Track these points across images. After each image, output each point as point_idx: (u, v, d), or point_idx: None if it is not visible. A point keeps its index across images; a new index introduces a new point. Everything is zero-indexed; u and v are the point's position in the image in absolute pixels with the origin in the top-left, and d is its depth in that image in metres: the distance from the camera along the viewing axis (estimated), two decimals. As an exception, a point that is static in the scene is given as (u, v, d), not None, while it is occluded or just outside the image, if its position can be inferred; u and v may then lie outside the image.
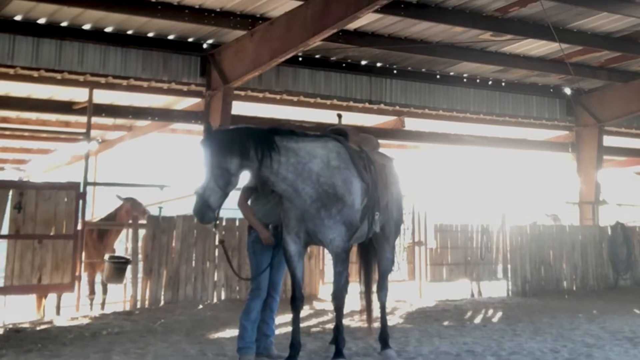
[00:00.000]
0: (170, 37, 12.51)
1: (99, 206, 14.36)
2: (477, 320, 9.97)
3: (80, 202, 10.14)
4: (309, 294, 11.33)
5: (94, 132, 13.22)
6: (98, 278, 11.23)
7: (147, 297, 10.20)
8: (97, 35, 11.86)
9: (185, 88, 12.96)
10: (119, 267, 10.77)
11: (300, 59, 13.59)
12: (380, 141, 15.04)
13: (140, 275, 10.34)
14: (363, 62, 14.56)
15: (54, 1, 10.68)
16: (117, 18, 11.50)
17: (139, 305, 10.12)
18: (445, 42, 13.44)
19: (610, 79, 16.00)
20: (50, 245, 9.70)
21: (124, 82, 12.36)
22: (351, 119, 14.96)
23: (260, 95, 13.77)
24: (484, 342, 7.86)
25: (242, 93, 13.41)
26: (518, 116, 16.77)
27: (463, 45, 13.62)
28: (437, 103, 15.61)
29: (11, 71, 11.47)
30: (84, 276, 10.96)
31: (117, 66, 12.13)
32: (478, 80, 16.04)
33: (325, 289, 11.44)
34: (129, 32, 12.11)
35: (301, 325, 7.14)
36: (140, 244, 10.51)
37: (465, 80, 15.89)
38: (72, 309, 10.15)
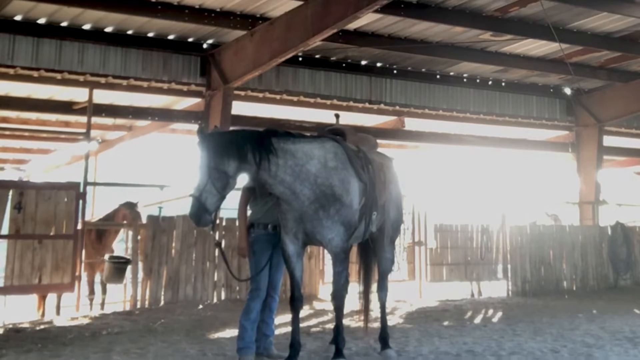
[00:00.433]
0: (170, 37, 12.51)
1: (99, 206, 14.37)
2: (477, 320, 9.97)
3: (80, 202, 10.13)
4: (309, 294, 11.34)
5: (94, 132, 13.22)
6: (97, 278, 11.22)
7: (147, 297, 10.21)
8: (97, 35, 11.86)
9: (185, 88, 12.96)
10: (119, 267, 10.77)
11: (300, 59, 13.59)
12: (380, 141, 15.10)
13: (140, 275, 10.34)
14: (363, 62, 14.56)
15: (54, 1, 10.67)
16: (117, 18, 11.50)
17: (139, 305, 10.13)
18: (445, 42, 13.44)
19: (610, 79, 16.00)
20: (50, 245, 9.70)
21: (124, 82, 12.36)
22: (351, 119, 14.96)
23: (260, 95, 13.77)
24: (484, 342, 7.86)
25: (242, 93, 13.41)
26: (518, 116, 16.77)
27: (463, 45, 13.62)
28: (437, 103, 15.61)
29: (11, 71, 11.47)
30: (84, 276, 10.96)
31: (117, 66, 12.13)
32: (478, 80, 16.04)
33: (325, 289, 11.44)
34: (129, 32, 12.11)
35: (301, 325, 7.16)
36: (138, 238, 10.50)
37: (465, 80, 15.89)
38: (72, 309, 10.15)
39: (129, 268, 10.65)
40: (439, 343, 7.75)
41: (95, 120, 12.17)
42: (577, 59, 14.60)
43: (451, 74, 15.58)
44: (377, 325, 7.22)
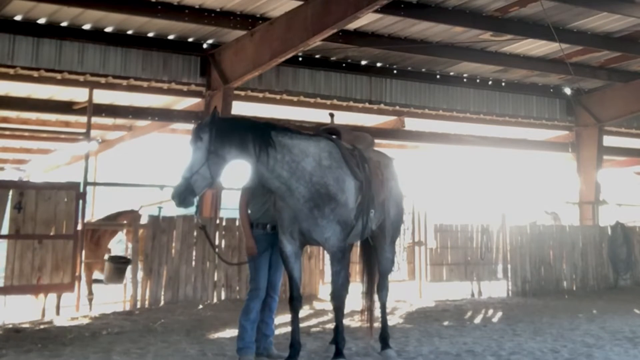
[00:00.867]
0: (170, 37, 12.51)
1: (99, 206, 14.36)
2: (477, 320, 9.97)
3: (80, 202, 10.13)
4: (309, 294, 11.35)
5: (94, 132, 13.22)
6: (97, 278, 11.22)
7: (147, 297, 10.21)
8: (97, 35, 11.86)
9: (185, 88, 12.96)
10: (119, 267, 10.77)
11: (300, 59, 13.59)
12: (380, 141, 15.21)
13: (140, 275, 10.34)
14: (363, 62, 14.56)
15: (54, 1, 10.68)
16: (117, 18, 11.50)
17: (139, 305, 10.12)
18: (445, 42, 13.44)
19: (610, 79, 16.00)
20: (50, 245, 9.70)
21: (124, 82, 12.36)
22: (351, 119, 14.98)
23: (260, 95, 13.78)
24: (484, 342, 7.86)
25: (242, 93, 13.41)
26: (518, 116, 16.78)
27: (463, 45, 13.61)
28: (437, 103, 15.61)
29: (11, 71, 11.48)
30: (83, 276, 10.96)
31: (117, 66, 12.13)
32: (478, 80, 16.04)
33: (325, 289, 11.44)
34: (129, 32, 12.11)
35: (301, 325, 7.16)
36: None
37: (465, 80, 15.89)
38: (72, 309, 10.15)
39: (129, 268, 10.64)
40: (439, 343, 7.74)
41: (95, 120, 12.17)
42: (577, 59, 14.60)
43: (451, 74, 15.58)
44: (377, 325, 7.21)
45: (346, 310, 6.88)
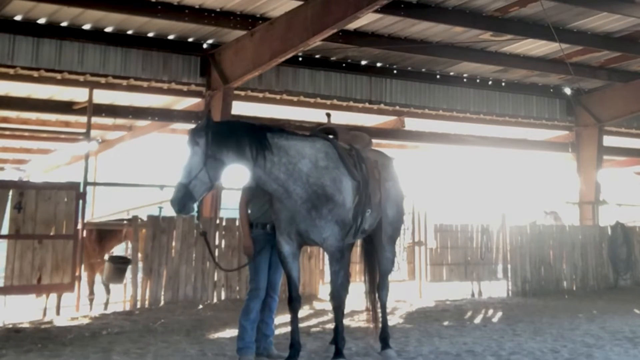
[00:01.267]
0: (170, 37, 12.51)
1: (99, 206, 14.37)
2: (477, 320, 9.97)
3: (80, 202, 10.13)
4: (309, 294, 11.36)
5: (94, 132, 13.23)
6: (98, 279, 11.22)
7: (147, 297, 10.21)
8: (97, 35, 11.86)
9: (185, 88, 12.96)
10: (119, 267, 10.77)
11: (300, 59, 13.59)
12: (380, 141, 15.21)
13: (140, 275, 10.34)
14: (363, 62, 14.56)
15: (54, 1, 10.67)
16: (117, 18, 11.50)
17: (139, 305, 10.12)
18: (445, 42, 13.44)
19: (610, 79, 16.00)
20: (50, 245, 9.70)
21: (124, 82, 12.36)
22: (351, 119, 14.98)
23: (260, 95, 13.78)
24: (484, 342, 7.85)
25: (242, 93, 13.41)
26: (518, 116, 16.78)
27: (463, 45, 13.61)
28: (437, 103, 15.61)
29: (11, 71, 11.47)
30: (84, 276, 10.97)
31: (117, 66, 12.13)
32: (478, 80, 16.04)
33: (325, 289, 11.44)
34: (129, 32, 12.11)
35: (301, 325, 7.17)
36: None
37: (465, 80, 15.89)
38: (72, 309, 10.15)
39: (129, 268, 10.64)
40: (439, 343, 7.74)
41: (95, 120, 12.18)
42: (577, 59, 14.60)
43: (451, 74, 15.58)
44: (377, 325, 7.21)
45: (346, 310, 6.88)
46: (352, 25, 11.99)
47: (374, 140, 7.82)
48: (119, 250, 11.97)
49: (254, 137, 5.96)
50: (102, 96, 12.35)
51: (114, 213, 13.27)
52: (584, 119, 17.20)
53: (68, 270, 9.80)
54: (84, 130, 11.53)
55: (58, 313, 10.09)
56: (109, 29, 11.94)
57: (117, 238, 11.44)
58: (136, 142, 16.53)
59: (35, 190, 9.79)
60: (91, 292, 11.02)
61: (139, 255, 10.47)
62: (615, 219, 15.90)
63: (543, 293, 13.34)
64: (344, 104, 14.52)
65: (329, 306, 9.53)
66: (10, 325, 8.69)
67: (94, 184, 13.42)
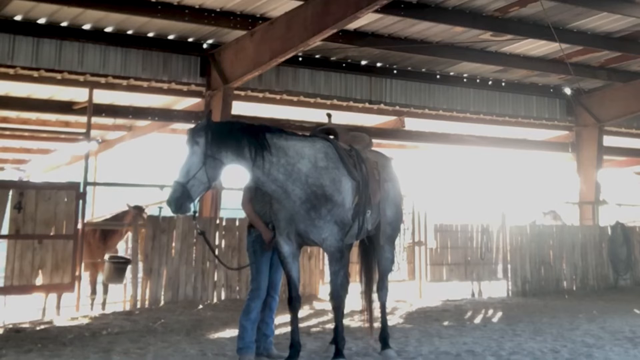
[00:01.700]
0: (170, 37, 12.51)
1: (99, 206, 14.36)
2: (477, 320, 9.97)
3: (80, 202, 10.13)
4: (309, 294, 11.36)
5: (94, 132, 13.22)
6: (100, 278, 11.22)
7: (147, 297, 10.21)
8: (97, 35, 11.87)
9: (185, 88, 12.97)
10: (119, 267, 10.77)
11: (300, 59, 13.59)
12: (380, 141, 15.19)
13: (140, 275, 10.34)
14: (363, 62, 14.56)
15: (54, 1, 10.68)
16: (117, 18, 11.50)
17: (139, 305, 10.12)
18: (445, 42, 13.44)
19: (610, 79, 16.00)
20: (50, 245, 9.70)
21: (124, 82, 12.36)
22: (351, 119, 14.98)
23: (260, 95, 13.78)
24: (484, 342, 7.85)
25: (242, 93, 13.42)
26: (518, 116, 16.78)
27: (463, 45, 13.62)
28: (437, 103, 15.62)
29: (11, 71, 11.48)
30: (86, 276, 10.97)
31: (117, 66, 12.14)
32: (478, 80, 16.05)
33: (325, 289, 11.44)
34: (129, 32, 12.12)
35: (301, 325, 7.17)
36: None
37: (465, 80, 15.89)
38: (72, 309, 10.15)
39: (129, 268, 10.64)
40: (439, 343, 7.74)
41: (95, 120, 12.17)
42: (577, 59, 14.60)
43: (451, 74, 15.58)
44: (377, 325, 7.21)
45: (346, 310, 6.88)
46: (352, 25, 12.00)
47: (374, 140, 7.82)
48: (119, 250, 11.95)
49: (253, 137, 5.96)
50: (102, 96, 12.35)
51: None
52: (584, 119, 17.21)
53: (68, 270, 9.79)
54: (84, 130, 11.52)
55: (58, 313, 10.09)
56: (109, 29, 11.94)
57: (120, 234, 11.47)
58: (136, 142, 16.53)
59: (35, 190, 9.78)
60: (93, 292, 11.03)
61: (139, 255, 10.46)
62: (615, 219, 15.90)
63: (543, 293, 13.34)
64: (344, 104, 14.53)
65: (329, 306, 9.53)
66: (10, 325, 8.69)
67: (94, 184, 13.42)
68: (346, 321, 7.43)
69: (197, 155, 5.78)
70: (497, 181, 23.19)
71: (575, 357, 7.07)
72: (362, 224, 6.50)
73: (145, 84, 12.60)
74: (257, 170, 5.96)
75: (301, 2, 10.77)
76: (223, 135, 5.89)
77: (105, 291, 11.09)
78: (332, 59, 14.12)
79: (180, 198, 5.72)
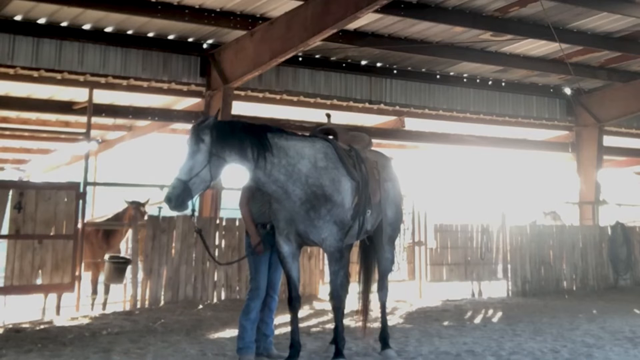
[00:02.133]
0: (170, 37, 12.51)
1: (99, 206, 14.36)
2: (477, 320, 9.97)
3: (80, 202, 10.13)
4: (309, 294, 11.36)
5: (94, 132, 13.22)
6: (101, 278, 11.22)
7: (147, 297, 10.21)
8: (97, 35, 11.87)
9: (185, 88, 12.97)
10: (119, 267, 10.77)
11: (300, 59, 13.59)
12: (380, 141, 15.18)
13: (140, 275, 10.34)
14: (363, 62, 14.56)
15: (54, 1, 10.68)
16: (117, 18, 11.50)
17: (139, 305, 10.12)
18: (445, 42, 13.44)
19: (610, 79, 16.00)
20: (50, 245, 9.70)
21: (124, 82, 12.37)
22: (351, 119, 14.98)
23: (260, 95, 13.78)
24: (484, 342, 7.86)
25: (242, 93, 13.42)
26: (518, 116, 16.78)
27: (463, 45, 13.62)
28: (437, 103, 15.62)
29: (11, 71, 11.48)
30: (87, 276, 10.97)
31: (117, 66, 12.14)
32: (478, 80, 16.05)
33: (325, 289, 11.43)
34: (129, 32, 12.12)
35: (301, 325, 7.17)
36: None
37: (465, 80, 15.89)
38: (72, 309, 10.15)
39: (129, 268, 10.64)
40: (439, 343, 7.74)
41: (95, 120, 12.18)
42: (577, 59, 14.60)
43: (451, 74, 15.58)
44: (377, 325, 7.21)
45: (346, 310, 6.87)
46: (352, 25, 12.00)
47: (374, 140, 7.82)
48: (121, 250, 11.95)
49: (256, 137, 5.95)
50: (102, 96, 12.35)
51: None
52: (584, 119, 17.21)
53: (68, 270, 9.79)
54: (84, 130, 11.52)
55: (58, 313, 10.09)
56: (109, 29, 11.95)
57: (121, 233, 11.48)
58: (136, 142, 16.53)
59: (35, 190, 9.78)
60: (94, 292, 11.03)
61: (139, 255, 10.46)
62: (615, 219, 15.90)
63: (543, 293, 13.34)
64: (344, 104, 14.53)
65: (329, 306, 9.52)
66: (10, 325, 8.69)
67: (94, 184, 13.42)
68: (346, 321, 7.42)
69: (202, 153, 5.75)
70: (497, 181, 23.19)
71: (575, 357, 7.07)
72: (362, 224, 6.50)
73: (145, 84, 12.60)
74: (258, 171, 5.95)
75: (301, 2, 10.77)
76: (228, 135, 5.87)
77: (107, 291, 11.09)
78: (332, 59, 14.12)
79: (181, 195, 5.68)
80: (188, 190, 5.70)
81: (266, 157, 5.93)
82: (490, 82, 16.18)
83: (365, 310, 7.32)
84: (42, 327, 8.67)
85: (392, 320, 8.89)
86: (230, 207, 11.00)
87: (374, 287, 7.27)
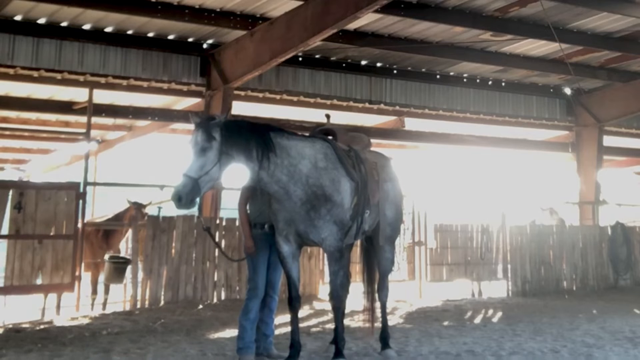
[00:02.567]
0: (170, 37, 12.52)
1: (99, 206, 14.37)
2: (477, 320, 9.97)
3: (80, 202, 10.13)
4: (309, 294, 11.37)
5: (94, 132, 13.22)
6: (101, 278, 11.22)
7: (147, 297, 10.20)
8: (97, 35, 11.87)
9: (185, 88, 12.97)
10: (119, 267, 10.77)
11: (300, 59, 13.60)
12: (380, 141, 15.18)
13: (140, 275, 10.34)
14: (363, 62, 14.56)
15: (54, 1, 10.68)
16: (117, 18, 11.50)
17: (139, 305, 10.12)
18: (445, 42, 13.44)
19: (610, 79, 16.01)
20: (50, 245, 9.70)
21: (124, 82, 12.37)
22: (351, 119, 14.99)
23: (260, 95, 13.79)
24: (484, 342, 7.85)
25: (242, 93, 13.42)
26: (518, 116, 16.79)
27: (463, 45, 13.62)
28: (437, 103, 15.62)
29: (11, 71, 11.48)
30: (87, 276, 10.97)
31: (117, 66, 12.14)
32: (478, 80, 16.05)
33: (325, 289, 11.43)
34: (129, 32, 12.12)
35: (301, 325, 7.16)
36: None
37: (465, 80, 15.90)
38: (72, 309, 10.15)
39: (129, 268, 10.64)
40: (439, 343, 7.74)
41: (95, 120, 12.18)
42: (577, 59, 14.61)
43: (451, 74, 15.59)
44: (377, 325, 7.21)
45: (346, 310, 6.87)
46: (352, 25, 12.00)
47: (374, 141, 7.83)
48: (120, 250, 11.95)
49: (260, 137, 5.95)
50: (102, 96, 12.35)
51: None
52: (584, 119, 17.21)
53: (68, 270, 9.79)
54: (84, 130, 11.53)
55: (58, 313, 10.09)
56: (109, 29, 11.95)
57: (121, 233, 11.48)
58: (136, 142, 16.53)
59: (35, 190, 9.78)
60: (94, 292, 11.02)
61: (139, 255, 10.46)
62: (615, 219, 15.90)
63: (543, 293, 13.34)
64: (344, 104, 14.53)
65: (329, 306, 9.52)
66: (10, 325, 8.69)
67: (94, 184, 13.41)
68: (346, 321, 7.42)
69: (213, 150, 5.70)
70: (497, 181, 23.18)
71: (575, 357, 7.07)
72: (360, 225, 6.50)
73: (145, 84, 12.60)
74: (262, 172, 5.94)
75: (301, 2, 10.77)
76: (236, 134, 5.86)
77: (107, 291, 11.09)
78: (332, 59, 14.13)
79: (191, 193, 5.60)
80: (198, 188, 5.64)
81: (270, 157, 5.92)
82: (490, 82, 16.18)
83: (371, 310, 7.31)
84: (42, 327, 8.67)
85: (392, 320, 8.89)
86: (230, 207, 11.00)
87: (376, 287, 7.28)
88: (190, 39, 12.67)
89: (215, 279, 10.78)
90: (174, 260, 10.45)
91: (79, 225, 10.18)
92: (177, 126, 14.70)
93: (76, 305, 10.18)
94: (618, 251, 15.08)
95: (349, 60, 14.39)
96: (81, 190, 10.27)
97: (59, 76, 11.84)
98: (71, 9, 10.99)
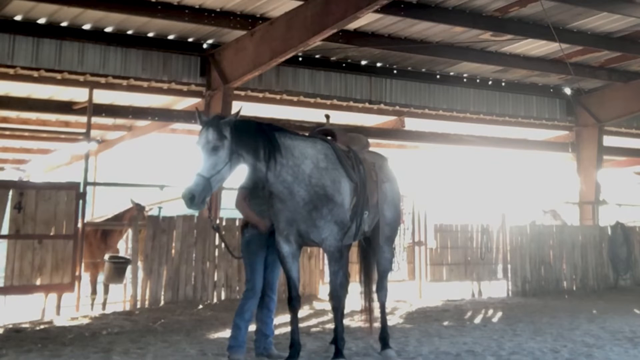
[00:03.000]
0: (170, 37, 12.51)
1: (99, 206, 14.37)
2: (477, 320, 9.97)
3: (80, 202, 10.13)
4: (309, 294, 11.37)
5: (94, 132, 13.23)
6: (100, 278, 11.22)
7: (147, 297, 10.21)
8: (97, 35, 11.87)
9: (185, 88, 12.97)
10: (119, 267, 10.77)
11: (300, 59, 13.59)
12: (380, 141, 15.18)
13: (140, 275, 10.34)
14: (363, 62, 14.56)
15: (54, 1, 10.68)
16: (117, 18, 11.50)
17: (139, 305, 10.12)
18: (445, 42, 13.44)
19: (610, 79, 16.00)
20: (50, 245, 9.71)
21: (124, 82, 12.37)
22: (351, 119, 14.99)
23: (260, 95, 13.78)
24: (484, 342, 7.86)
25: (242, 93, 13.42)
26: (518, 116, 16.79)
27: (463, 45, 13.62)
28: (437, 103, 15.62)
29: (11, 71, 11.48)
30: (86, 276, 10.97)
31: (117, 66, 12.14)
32: (478, 80, 16.05)
33: (325, 289, 11.43)
34: (129, 32, 12.12)
35: (301, 325, 7.16)
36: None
37: (465, 80, 15.90)
38: (72, 309, 10.15)
39: (129, 268, 10.64)
40: (439, 343, 7.74)
41: (95, 120, 12.18)
42: (577, 59, 14.60)
43: (451, 74, 15.58)
44: (377, 325, 7.21)
45: (346, 310, 6.87)
46: (352, 25, 12.00)
47: (374, 141, 7.85)
48: (119, 250, 11.96)
49: (267, 138, 5.95)
50: (102, 96, 12.35)
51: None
52: (584, 119, 17.21)
53: (68, 270, 9.80)
54: (84, 130, 11.53)
55: (58, 313, 10.09)
56: (109, 29, 11.95)
57: (120, 233, 11.49)
58: (136, 142, 16.54)
59: (35, 190, 9.79)
60: (94, 292, 11.03)
61: (139, 255, 10.46)
62: (615, 219, 15.90)
63: (543, 293, 13.35)
64: (344, 104, 14.53)
65: (329, 306, 9.51)
66: (10, 325, 8.69)
67: (94, 184, 13.42)
68: (346, 321, 7.43)
69: (224, 150, 5.69)
70: (497, 181, 23.19)
71: (575, 357, 7.07)
72: (360, 225, 6.51)
73: (145, 84, 12.60)
74: (270, 173, 5.95)
75: (301, 2, 10.77)
76: (245, 134, 5.86)
77: (106, 291, 11.10)
78: (332, 59, 14.12)
79: (203, 192, 5.56)
80: (209, 187, 5.61)
81: (276, 158, 5.93)
82: (490, 82, 16.18)
83: (370, 310, 7.30)
84: (42, 327, 8.67)
85: (392, 320, 8.89)
86: (230, 207, 11.00)
87: (374, 287, 7.27)
88: (190, 39, 12.67)
89: (215, 279, 10.79)
90: (174, 260, 10.46)
91: (79, 225, 10.18)
92: (177, 126, 14.71)
93: (76, 305, 10.18)
94: (618, 251, 15.08)
95: (349, 60, 14.38)
96: (81, 190, 10.27)
97: (59, 76, 11.84)
98: (71, 9, 10.99)
